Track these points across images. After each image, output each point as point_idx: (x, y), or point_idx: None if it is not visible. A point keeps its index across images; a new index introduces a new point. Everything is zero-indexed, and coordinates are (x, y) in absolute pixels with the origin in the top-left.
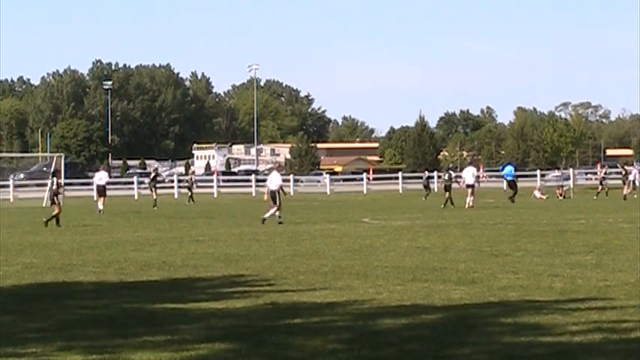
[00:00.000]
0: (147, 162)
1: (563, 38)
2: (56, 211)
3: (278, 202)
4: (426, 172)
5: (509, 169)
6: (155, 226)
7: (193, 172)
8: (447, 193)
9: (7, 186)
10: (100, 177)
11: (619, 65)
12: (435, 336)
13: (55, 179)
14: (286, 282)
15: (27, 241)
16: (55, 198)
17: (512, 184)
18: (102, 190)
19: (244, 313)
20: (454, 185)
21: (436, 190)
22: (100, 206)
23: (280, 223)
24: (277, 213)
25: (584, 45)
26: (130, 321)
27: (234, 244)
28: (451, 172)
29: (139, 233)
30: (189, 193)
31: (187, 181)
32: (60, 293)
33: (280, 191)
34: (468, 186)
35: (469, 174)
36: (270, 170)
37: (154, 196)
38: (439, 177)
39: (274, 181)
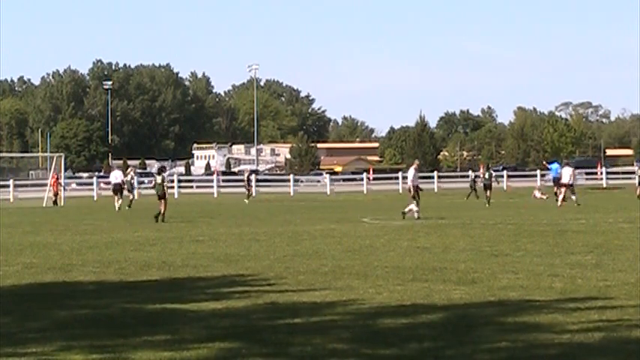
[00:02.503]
0: (147, 162)
1: (563, 38)
2: (162, 207)
3: (415, 197)
4: (472, 172)
5: (555, 166)
6: (155, 226)
7: (251, 172)
8: (488, 192)
9: (7, 186)
10: (116, 176)
11: (619, 65)
12: (435, 336)
13: (163, 175)
14: (286, 282)
15: (27, 241)
16: (163, 193)
17: (556, 182)
18: (118, 189)
19: (244, 313)
20: (494, 184)
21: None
22: (117, 204)
23: (418, 218)
24: (414, 207)
25: (584, 45)
26: (130, 321)
27: (234, 244)
28: (491, 171)
29: (139, 233)
30: (248, 193)
31: (245, 180)
32: (60, 293)
33: (415, 186)
34: (565, 185)
35: (567, 173)
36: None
37: (131, 197)
38: (477, 176)
39: (409, 176)
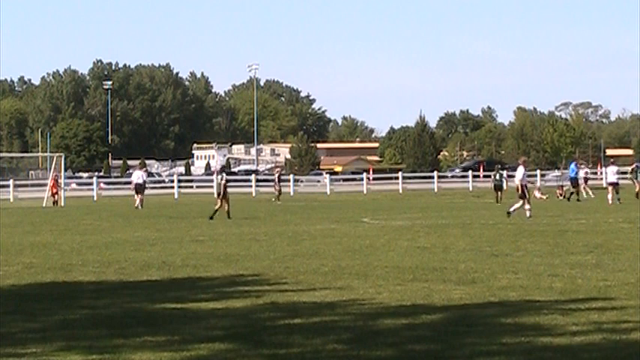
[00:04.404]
0: (147, 162)
1: (563, 38)
2: (223, 205)
3: (525, 196)
4: (500, 171)
5: (572, 167)
6: (155, 226)
7: (280, 171)
8: (499, 192)
9: (7, 186)
10: (138, 176)
11: (619, 65)
12: (435, 336)
13: (223, 174)
14: (286, 282)
15: (27, 241)
16: (223, 192)
17: (573, 183)
18: (139, 188)
19: (244, 313)
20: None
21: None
22: (137, 202)
23: (529, 217)
24: (527, 207)
25: (584, 45)
26: (130, 321)
27: (234, 244)
28: (502, 171)
29: (139, 233)
30: (278, 193)
31: (276, 180)
32: (60, 293)
33: (523, 185)
34: (610, 184)
35: (611, 172)
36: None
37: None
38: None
39: (518, 175)
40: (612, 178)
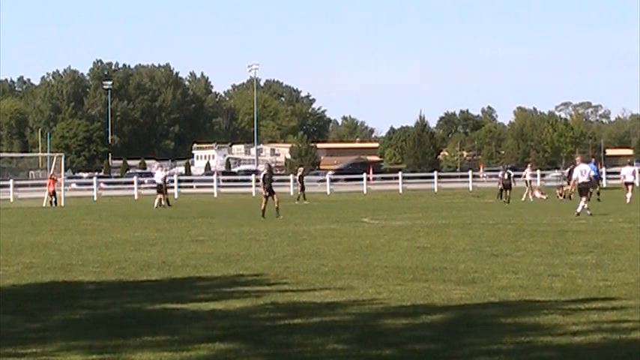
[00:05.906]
0: (147, 162)
1: (563, 38)
2: (269, 201)
3: (588, 194)
4: (508, 171)
5: (591, 166)
6: (155, 226)
7: (303, 171)
8: (507, 191)
9: (7, 186)
10: (159, 176)
11: (619, 65)
12: (435, 336)
13: (265, 172)
14: (286, 282)
15: (27, 241)
16: (269, 190)
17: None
18: (161, 188)
19: (244, 313)
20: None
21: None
22: (156, 202)
23: (590, 214)
24: (586, 205)
25: (584, 45)
26: (130, 321)
27: (234, 244)
28: (509, 171)
29: (139, 233)
30: (300, 193)
31: (298, 180)
32: (60, 293)
33: (590, 183)
34: (627, 183)
35: (629, 172)
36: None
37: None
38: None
39: (586, 173)
40: (629, 178)
